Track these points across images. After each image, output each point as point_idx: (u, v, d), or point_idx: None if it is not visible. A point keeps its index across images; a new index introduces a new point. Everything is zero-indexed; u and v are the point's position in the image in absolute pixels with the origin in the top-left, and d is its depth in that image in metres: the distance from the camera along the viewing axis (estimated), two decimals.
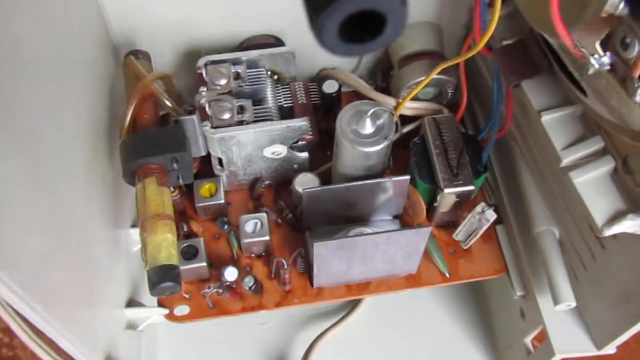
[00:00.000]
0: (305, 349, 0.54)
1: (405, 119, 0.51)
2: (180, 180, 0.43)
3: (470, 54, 0.41)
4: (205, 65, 0.47)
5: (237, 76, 0.47)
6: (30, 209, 0.32)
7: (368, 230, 0.46)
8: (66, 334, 0.35)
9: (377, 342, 0.57)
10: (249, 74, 0.47)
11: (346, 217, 0.48)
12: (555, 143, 0.38)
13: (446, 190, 0.45)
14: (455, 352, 0.57)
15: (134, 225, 0.49)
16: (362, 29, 0.19)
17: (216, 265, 0.48)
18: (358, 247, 0.42)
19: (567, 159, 0.37)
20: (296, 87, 0.50)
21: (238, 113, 0.45)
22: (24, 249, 0.30)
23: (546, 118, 0.38)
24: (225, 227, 0.49)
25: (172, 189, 0.44)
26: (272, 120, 0.46)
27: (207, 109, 0.45)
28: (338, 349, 0.56)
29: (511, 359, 0.54)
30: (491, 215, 0.45)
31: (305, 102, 0.50)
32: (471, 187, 0.45)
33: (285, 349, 0.57)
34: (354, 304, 0.58)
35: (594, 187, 0.36)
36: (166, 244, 0.38)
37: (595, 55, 0.27)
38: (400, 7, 0.18)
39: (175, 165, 0.41)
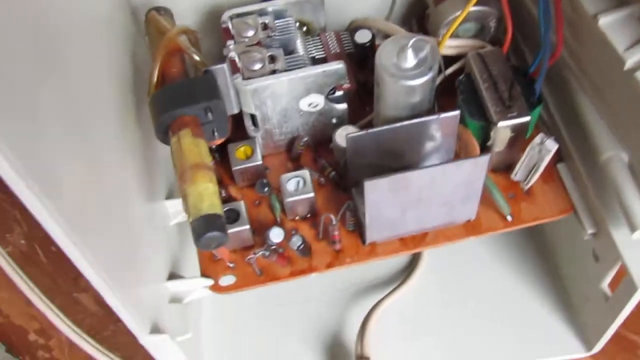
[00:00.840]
0: (362, 322, 0.54)
1: (447, 62, 0.51)
2: (216, 135, 0.43)
3: None
4: (231, 18, 0.48)
5: (265, 27, 0.48)
6: (79, 176, 0.33)
7: None
8: (122, 298, 0.36)
9: (437, 307, 0.57)
10: (277, 24, 0.48)
11: (393, 168, 0.48)
12: (616, 45, 0.38)
13: (500, 124, 0.45)
14: (526, 312, 0.56)
15: (168, 197, 0.50)
16: None
17: (259, 232, 0.48)
18: (412, 185, 0.42)
19: (631, 60, 0.37)
20: (327, 37, 0.51)
21: (269, 63, 0.46)
22: (82, 200, 0.32)
23: (604, 20, 0.38)
24: (265, 189, 0.49)
25: None
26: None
27: (237, 61, 0.46)
28: (396, 319, 0.55)
29: (589, 314, 0.53)
30: (552, 145, 0.45)
31: (338, 51, 0.51)
32: (527, 118, 0.45)
33: (339, 324, 0.57)
34: (408, 273, 0.58)
35: None
36: (208, 193, 0.39)
37: None
38: None
39: (210, 115, 0.42)
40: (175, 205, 0.49)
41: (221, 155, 0.51)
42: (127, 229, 0.41)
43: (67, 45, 0.35)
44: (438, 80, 0.48)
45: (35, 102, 0.29)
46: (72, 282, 0.59)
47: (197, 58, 0.45)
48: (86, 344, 0.51)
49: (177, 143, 0.41)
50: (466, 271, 0.58)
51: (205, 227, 0.38)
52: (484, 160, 0.42)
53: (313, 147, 0.51)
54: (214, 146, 0.47)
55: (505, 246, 0.59)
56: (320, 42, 0.51)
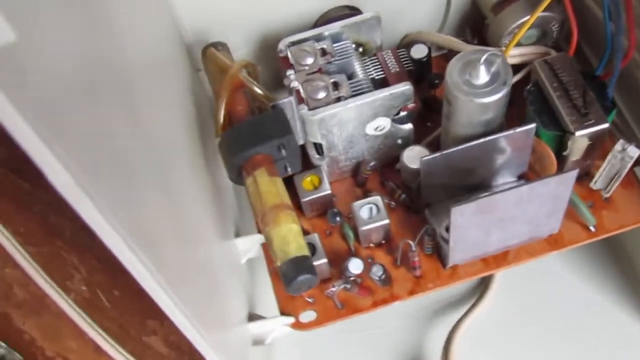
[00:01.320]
0: (444, 343, 0.52)
1: None
2: (289, 170, 0.43)
3: None
4: (288, 46, 0.46)
5: (324, 52, 0.46)
6: (164, 219, 0.32)
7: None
8: (217, 348, 0.35)
9: (517, 324, 0.56)
10: (335, 48, 0.47)
11: (465, 187, 0.47)
12: None
13: (578, 133, 0.43)
14: (610, 327, 0.55)
15: (237, 235, 0.49)
16: None
17: (334, 263, 0.47)
18: (497, 207, 0.41)
19: None
20: (385, 56, 0.50)
21: (333, 90, 0.45)
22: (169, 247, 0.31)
23: None
24: (337, 219, 0.48)
25: None
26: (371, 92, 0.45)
27: (300, 91, 0.44)
28: (478, 337, 0.54)
29: None
30: (635, 152, 0.43)
31: (398, 70, 0.49)
32: (605, 125, 0.44)
33: (420, 348, 0.56)
34: (485, 287, 0.56)
35: None
36: (293, 235, 0.38)
37: None
38: None
39: (283, 152, 0.41)
40: (245, 243, 0.48)
41: (285, 184, 0.50)
42: (209, 271, 0.39)
43: (144, 91, 0.34)
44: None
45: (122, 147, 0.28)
46: (138, 325, 0.58)
47: (260, 92, 0.44)
48: None
49: (253, 184, 0.40)
50: (544, 286, 0.57)
51: (295, 270, 0.37)
52: (572, 176, 0.40)
53: (379, 170, 0.50)
54: None
55: (580, 257, 0.58)
56: (378, 61, 0.49)
